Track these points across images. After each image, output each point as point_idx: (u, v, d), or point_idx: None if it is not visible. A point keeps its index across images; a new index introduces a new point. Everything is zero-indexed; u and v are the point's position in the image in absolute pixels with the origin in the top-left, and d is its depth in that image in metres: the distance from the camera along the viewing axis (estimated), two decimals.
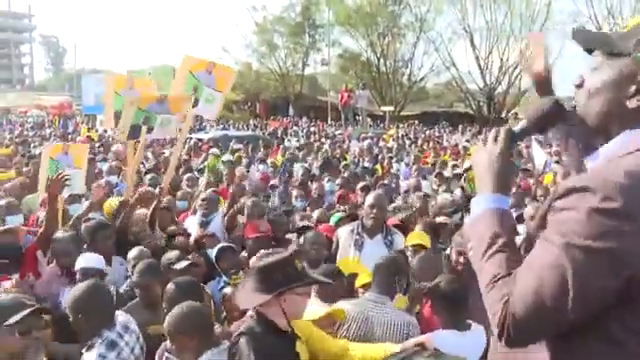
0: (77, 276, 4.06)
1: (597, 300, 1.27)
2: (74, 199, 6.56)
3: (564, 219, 1.30)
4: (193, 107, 6.38)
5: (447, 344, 2.76)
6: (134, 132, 6.14)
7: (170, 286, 3.59)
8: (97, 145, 13.99)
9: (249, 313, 3.02)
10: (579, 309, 1.27)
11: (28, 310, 2.66)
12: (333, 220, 5.94)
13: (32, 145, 15.10)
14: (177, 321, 3.00)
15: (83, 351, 3.10)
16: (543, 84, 2.19)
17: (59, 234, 4.61)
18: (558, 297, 1.28)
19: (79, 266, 4.13)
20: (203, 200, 6.21)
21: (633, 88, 1.36)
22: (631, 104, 1.37)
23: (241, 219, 6.09)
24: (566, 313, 1.28)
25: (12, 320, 2.59)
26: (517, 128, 1.60)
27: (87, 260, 4.17)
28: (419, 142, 18.12)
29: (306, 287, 2.78)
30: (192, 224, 6.14)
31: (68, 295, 3.38)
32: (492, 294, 1.40)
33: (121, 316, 3.30)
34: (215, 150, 12.23)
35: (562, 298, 1.27)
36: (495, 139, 1.58)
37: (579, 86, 1.48)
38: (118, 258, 4.84)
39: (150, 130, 6.16)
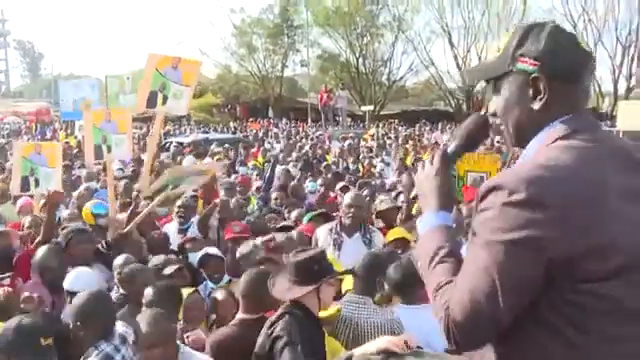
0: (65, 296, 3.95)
1: (526, 290, 1.33)
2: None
3: (482, 219, 1.38)
4: (163, 105, 6.32)
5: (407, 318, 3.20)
6: (152, 100, 6.18)
7: (148, 290, 3.57)
8: (75, 151, 13.84)
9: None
10: (511, 303, 1.33)
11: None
12: (305, 219, 5.97)
13: (9, 153, 14.90)
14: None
15: None
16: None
17: (42, 249, 4.50)
18: (489, 296, 1.33)
19: (66, 287, 4.01)
20: (180, 207, 6.20)
21: (530, 92, 1.48)
22: (535, 106, 1.48)
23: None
24: (500, 310, 1.33)
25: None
26: (450, 149, 1.71)
27: (75, 282, 4.01)
28: (400, 141, 18.20)
29: (334, 278, 3.15)
30: (171, 230, 6.12)
31: (73, 301, 3.37)
32: (436, 302, 1.47)
33: (122, 327, 3.26)
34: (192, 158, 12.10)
35: (493, 296, 1.33)
36: (431, 161, 1.68)
37: (494, 115, 1.60)
38: (99, 265, 4.80)
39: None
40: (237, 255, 4.52)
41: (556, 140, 1.44)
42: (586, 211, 1.30)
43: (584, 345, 1.32)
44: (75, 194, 7.36)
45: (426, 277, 1.54)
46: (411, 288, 3.47)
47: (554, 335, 1.34)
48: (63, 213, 6.26)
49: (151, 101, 6.29)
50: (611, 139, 1.49)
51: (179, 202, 6.40)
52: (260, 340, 2.91)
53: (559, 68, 1.46)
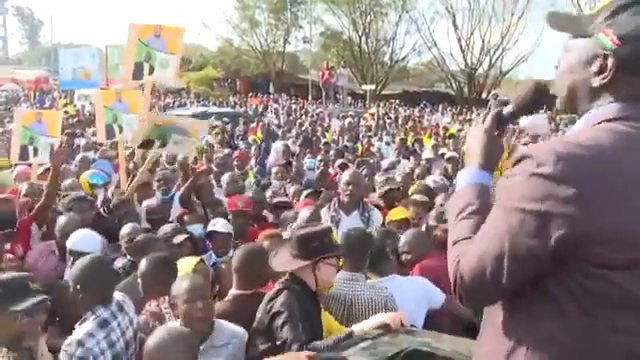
0: (67, 255, 3.98)
1: (530, 262, 1.34)
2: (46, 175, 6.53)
3: (507, 184, 1.40)
4: (149, 75, 6.21)
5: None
6: (148, 143, 6.18)
7: (143, 262, 3.57)
8: (75, 120, 13.79)
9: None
10: (514, 270, 1.35)
11: (37, 300, 2.72)
12: (302, 196, 6.00)
13: (6, 120, 14.85)
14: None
15: (77, 325, 3.10)
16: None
17: (63, 217, 4.60)
18: (496, 258, 1.36)
19: (69, 246, 4.07)
20: (159, 180, 6.25)
21: (596, 67, 1.42)
22: (594, 83, 1.43)
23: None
24: (502, 274, 1.36)
25: (20, 307, 2.66)
26: (505, 111, 1.69)
27: (78, 242, 4.08)
28: (400, 121, 18.17)
29: (335, 258, 3.12)
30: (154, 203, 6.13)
31: (74, 265, 3.40)
32: (450, 255, 1.50)
33: (118, 295, 3.28)
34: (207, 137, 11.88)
35: (499, 259, 1.36)
36: (484, 120, 1.68)
37: (557, 68, 1.56)
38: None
39: (163, 145, 6.14)
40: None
41: (602, 122, 1.40)
42: (610, 197, 1.28)
43: (588, 329, 1.32)
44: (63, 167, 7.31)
45: (450, 230, 1.57)
46: (382, 260, 3.61)
47: (553, 307, 1.36)
48: (65, 183, 6.27)
49: (137, 72, 6.19)
50: None
51: (157, 177, 6.41)
52: (259, 315, 2.92)
53: (635, 57, 1.38)
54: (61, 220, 4.57)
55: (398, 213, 4.94)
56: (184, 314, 2.96)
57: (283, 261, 3.06)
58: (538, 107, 1.71)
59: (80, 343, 2.94)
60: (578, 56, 1.47)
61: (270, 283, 3.41)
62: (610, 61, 1.40)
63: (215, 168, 7.76)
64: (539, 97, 1.65)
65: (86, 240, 4.14)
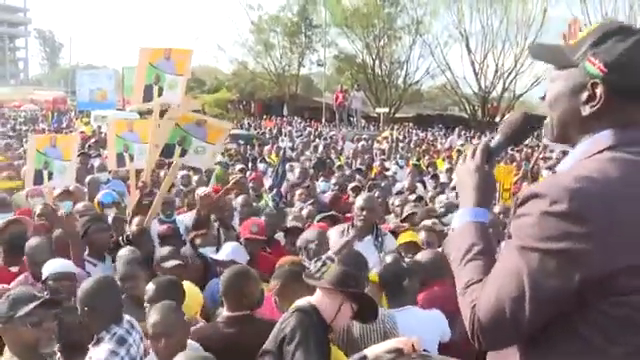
0: (48, 283, 3.79)
1: (553, 302, 1.31)
2: (65, 196, 6.54)
3: (521, 224, 1.36)
4: (159, 96, 6.33)
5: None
6: (168, 150, 6.03)
7: (150, 285, 3.55)
8: (92, 141, 13.92)
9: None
10: (536, 311, 1.31)
11: (38, 301, 2.74)
12: (316, 219, 5.94)
13: (24, 140, 15.03)
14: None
15: (90, 346, 3.10)
16: None
17: (32, 241, 4.43)
18: (516, 301, 1.32)
19: (47, 273, 3.83)
20: (164, 204, 6.19)
21: (585, 96, 1.42)
22: (584, 112, 1.43)
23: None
24: (524, 317, 1.32)
25: (23, 311, 2.68)
26: (493, 143, 1.68)
27: (54, 266, 3.86)
28: (413, 144, 18.15)
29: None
30: (186, 220, 6.13)
31: (79, 289, 3.38)
32: (464, 300, 1.46)
33: (126, 315, 3.30)
34: (222, 159, 11.69)
35: (519, 302, 1.32)
36: (473, 155, 1.65)
37: (543, 98, 1.56)
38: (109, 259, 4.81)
39: (184, 153, 6.04)
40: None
41: (603, 151, 1.39)
42: (628, 229, 1.26)
43: (613, 355, 1.30)
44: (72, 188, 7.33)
45: (456, 273, 1.53)
46: (398, 291, 3.62)
47: (581, 342, 1.32)
48: (78, 206, 6.29)
49: (147, 95, 6.29)
50: None
51: (162, 200, 6.37)
52: (272, 337, 2.87)
53: (625, 83, 1.39)
54: (31, 244, 4.36)
55: (407, 237, 4.88)
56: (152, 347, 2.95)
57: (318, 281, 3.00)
58: (527, 136, 1.72)
59: None
60: (565, 86, 1.47)
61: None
62: (600, 89, 1.40)
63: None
64: (527, 126, 1.65)
65: (58, 263, 3.91)
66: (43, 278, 3.82)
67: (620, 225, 1.26)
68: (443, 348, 3.54)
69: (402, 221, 5.72)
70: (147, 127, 6.74)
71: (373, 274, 3.86)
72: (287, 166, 9.21)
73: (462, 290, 1.47)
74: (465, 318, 1.43)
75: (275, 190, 7.56)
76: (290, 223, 5.84)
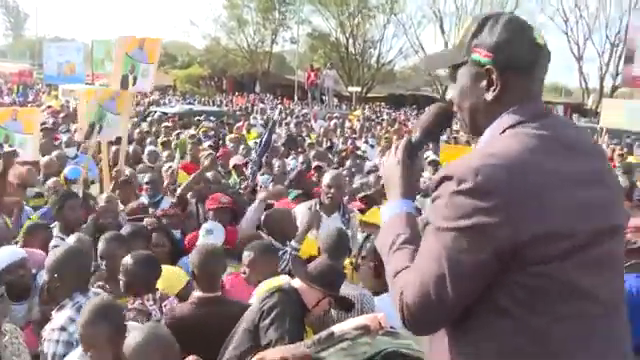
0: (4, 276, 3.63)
1: (472, 277, 1.36)
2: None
3: (435, 207, 1.43)
4: (133, 85, 6.58)
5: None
6: (89, 132, 6.35)
7: (126, 259, 3.56)
8: (61, 115, 13.61)
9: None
10: (458, 289, 1.37)
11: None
12: (290, 197, 6.00)
13: None
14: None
15: (53, 312, 3.15)
16: None
17: None
18: (438, 282, 1.37)
19: None
20: (147, 182, 6.23)
21: (484, 84, 1.52)
22: (488, 97, 1.52)
23: None
24: (448, 296, 1.37)
25: None
26: (413, 139, 1.74)
27: (1, 258, 3.69)
28: (384, 124, 18.23)
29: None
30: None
31: (48, 256, 3.40)
32: (393, 288, 1.50)
33: (95, 288, 3.35)
34: (189, 131, 11.69)
35: (442, 282, 1.37)
36: (395, 151, 1.72)
37: (451, 103, 1.65)
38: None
39: (100, 129, 6.36)
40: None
41: (505, 130, 1.47)
42: (532, 199, 1.33)
43: (535, 325, 1.36)
44: (44, 160, 7.18)
45: (386, 263, 1.57)
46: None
47: (505, 317, 1.37)
48: (49, 182, 6.23)
49: (124, 83, 6.56)
50: (561, 126, 1.51)
51: (146, 178, 6.39)
52: (250, 314, 2.91)
53: (511, 59, 1.49)
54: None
55: (370, 217, 4.93)
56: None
57: (299, 274, 3.07)
58: (443, 129, 1.82)
59: (63, 328, 2.99)
60: (465, 82, 1.56)
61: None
62: (494, 73, 1.50)
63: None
64: (441, 120, 1.73)
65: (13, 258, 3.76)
66: None
67: (523, 196, 1.32)
68: None
69: (360, 200, 5.74)
70: (127, 97, 6.82)
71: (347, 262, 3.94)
72: (274, 137, 9.19)
73: (391, 279, 1.52)
74: (395, 306, 1.47)
75: (258, 159, 7.56)
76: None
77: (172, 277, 3.95)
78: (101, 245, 3.95)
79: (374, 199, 5.74)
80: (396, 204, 1.64)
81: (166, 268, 3.89)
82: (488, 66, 1.50)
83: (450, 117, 1.73)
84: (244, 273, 3.71)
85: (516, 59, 1.49)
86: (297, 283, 3.02)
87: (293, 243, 4.27)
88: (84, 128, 6.58)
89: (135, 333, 2.59)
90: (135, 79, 6.50)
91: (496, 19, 1.52)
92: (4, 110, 7.20)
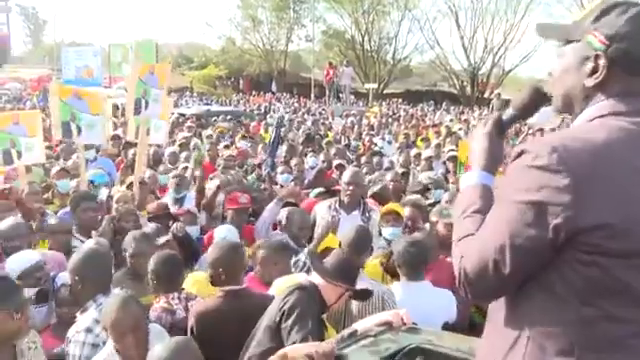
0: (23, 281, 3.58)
1: (531, 252, 1.38)
2: (62, 174, 6.52)
3: (506, 180, 1.46)
4: (145, 110, 6.59)
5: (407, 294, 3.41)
6: (66, 129, 6.22)
7: (152, 259, 3.61)
8: None
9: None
10: (516, 261, 1.39)
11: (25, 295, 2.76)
12: (312, 195, 6.00)
13: None
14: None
15: (78, 314, 3.18)
16: None
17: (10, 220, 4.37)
18: (497, 250, 1.41)
19: (15, 273, 3.55)
20: (174, 177, 6.32)
21: (589, 68, 1.48)
22: (588, 83, 1.49)
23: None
24: (505, 266, 1.40)
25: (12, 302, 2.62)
26: (505, 115, 1.77)
27: (18, 263, 3.68)
28: (401, 120, 18.16)
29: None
30: (167, 200, 6.16)
31: (70, 260, 3.43)
32: (455, 253, 1.56)
33: (117, 288, 3.36)
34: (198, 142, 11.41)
35: (501, 251, 1.40)
36: (485, 124, 1.77)
37: (551, 75, 1.62)
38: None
39: (80, 131, 6.22)
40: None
41: (595, 118, 1.46)
42: (602, 188, 1.32)
43: (585, 318, 1.36)
44: (69, 164, 7.30)
45: (454, 229, 1.63)
46: (419, 266, 3.67)
47: (554, 298, 1.39)
48: (72, 183, 6.30)
49: (137, 108, 6.56)
50: None
51: (175, 173, 6.41)
52: (271, 313, 2.91)
53: (625, 55, 1.44)
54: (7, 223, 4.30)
55: (390, 208, 4.89)
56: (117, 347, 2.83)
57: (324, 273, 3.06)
58: (537, 109, 1.77)
59: (89, 330, 3.02)
60: (571, 60, 1.53)
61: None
62: (602, 61, 1.46)
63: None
64: (538, 100, 1.72)
65: (20, 260, 3.72)
66: (15, 277, 3.59)
67: (594, 183, 1.32)
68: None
69: (373, 197, 5.70)
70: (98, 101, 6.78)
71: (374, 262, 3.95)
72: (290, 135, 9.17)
73: (455, 243, 1.57)
74: (455, 269, 1.52)
75: (270, 160, 7.59)
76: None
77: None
78: (130, 244, 3.98)
79: (383, 196, 5.72)
80: (475, 175, 1.69)
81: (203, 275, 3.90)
82: (599, 52, 1.46)
83: (545, 97, 1.70)
84: (257, 272, 3.74)
85: (629, 55, 1.44)
86: (317, 279, 3.02)
87: (307, 250, 4.25)
88: (57, 124, 6.38)
89: (164, 346, 2.58)
90: (147, 103, 6.55)
91: (625, 9, 1.46)
92: (5, 115, 7.24)
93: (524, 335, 1.43)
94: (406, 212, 4.81)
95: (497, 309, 1.54)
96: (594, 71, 1.48)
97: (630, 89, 1.46)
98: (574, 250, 1.34)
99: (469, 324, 3.78)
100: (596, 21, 1.48)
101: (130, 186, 6.13)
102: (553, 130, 13.12)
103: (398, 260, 3.69)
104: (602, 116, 1.45)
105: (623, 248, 1.32)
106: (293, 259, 3.95)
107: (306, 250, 4.02)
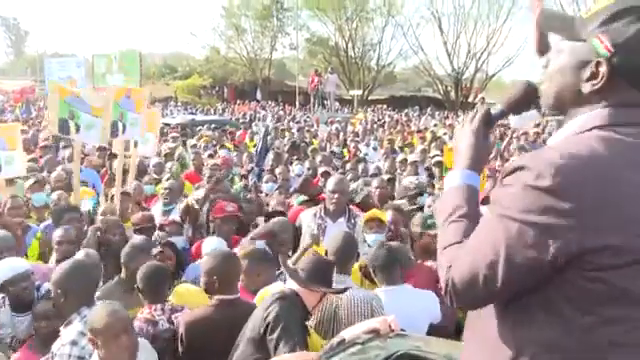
0: (8, 289, 3.64)
1: (526, 272, 1.34)
2: (36, 188, 6.43)
3: (504, 194, 1.38)
4: (123, 133, 6.56)
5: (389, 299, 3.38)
6: (63, 126, 6.12)
7: (141, 269, 3.59)
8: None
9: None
10: (509, 279, 1.35)
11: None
12: (296, 202, 5.99)
13: None
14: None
15: (61, 328, 3.14)
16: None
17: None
18: (490, 267, 1.36)
19: (1, 280, 3.63)
20: (165, 189, 6.30)
21: (587, 73, 1.41)
22: (585, 89, 1.42)
23: None
24: (497, 283, 1.36)
25: None
26: (493, 110, 1.69)
27: (4, 271, 3.66)
28: (386, 126, 18.22)
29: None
30: (156, 211, 6.14)
31: (53, 272, 3.40)
32: (441, 260, 1.50)
33: (100, 300, 3.31)
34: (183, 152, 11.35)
35: (493, 267, 1.35)
36: (472, 120, 1.67)
37: (545, 67, 1.54)
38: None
39: (78, 129, 6.16)
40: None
41: (593, 129, 1.39)
42: (607, 210, 1.28)
43: (582, 324, 1.33)
44: (53, 176, 7.17)
45: (440, 233, 1.56)
46: (392, 269, 3.66)
47: (553, 314, 1.36)
48: (53, 196, 6.22)
49: (114, 130, 6.47)
50: None
51: (165, 184, 6.38)
52: (254, 323, 2.90)
53: (627, 66, 1.37)
54: None
55: (373, 214, 4.87)
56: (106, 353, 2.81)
57: (298, 281, 3.05)
58: (527, 107, 1.70)
59: (74, 343, 2.99)
60: (570, 59, 1.45)
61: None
62: (603, 68, 1.39)
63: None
64: (529, 97, 1.65)
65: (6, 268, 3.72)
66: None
67: (599, 205, 1.28)
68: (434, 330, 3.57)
69: (356, 205, 5.70)
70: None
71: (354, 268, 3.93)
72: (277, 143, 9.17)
73: (441, 250, 1.51)
74: (441, 277, 1.47)
75: (257, 168, 7.58)
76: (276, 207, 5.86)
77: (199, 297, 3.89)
78: (124, 254, 4.00)
79: (366, 203, 5.71)
80: (459, 174, 1.60)
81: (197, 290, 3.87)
82: (600, 59, 1.38)
83: (537, 92, 1.63)
84: (242, 281, 3.74)
85: (634, 67, 1.37)
86: (296, 285, 3.02)
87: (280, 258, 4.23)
88: (54, 120, 6.29)
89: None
90: (124, 126, 6.48)
91: (638, 17, 1.36)
92: None
93: (526, 352, 1.39)
94: (388, 216, 4.83)
95: (481, 325, 1.50)
96: (593, 77, 1.41)
97: (630, 100, 1.40)
98: (579, 269, 1.31)
99: (456, 329, 3.79)
100: (605, 24, 1.38)
101: (113, 197, 6.11)
102: (537, 133, 13.25)
103: (371, 266, 3.70)
104: (601, 127, 1.38)
105: (627, 261, 1.30)
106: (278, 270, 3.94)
107: (280, 258, 4.03)
